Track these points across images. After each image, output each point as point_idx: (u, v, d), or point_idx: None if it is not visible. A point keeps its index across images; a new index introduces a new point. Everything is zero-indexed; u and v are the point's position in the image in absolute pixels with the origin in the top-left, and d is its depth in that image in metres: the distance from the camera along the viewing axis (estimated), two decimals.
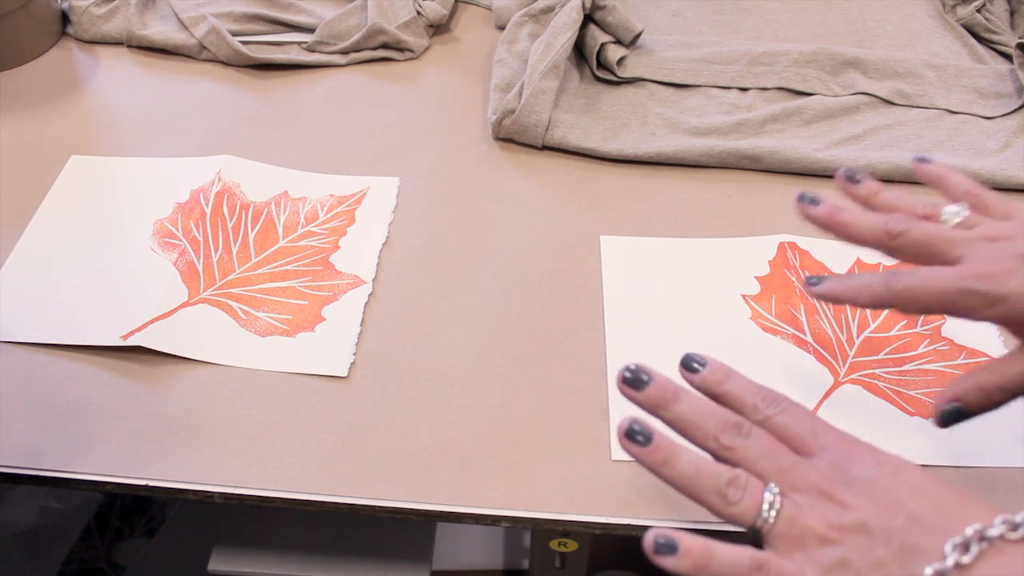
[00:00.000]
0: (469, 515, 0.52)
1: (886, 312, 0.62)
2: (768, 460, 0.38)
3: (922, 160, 0.51)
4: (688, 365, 0.42)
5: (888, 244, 0.45)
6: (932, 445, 0.54)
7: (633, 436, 0.39)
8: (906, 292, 0.43)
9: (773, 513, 0.37)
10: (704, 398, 0.41)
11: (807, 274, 0.49)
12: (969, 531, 0.34)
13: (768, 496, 0.37)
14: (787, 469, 0.38)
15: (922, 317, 0.61)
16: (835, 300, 0.46)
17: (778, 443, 0.39)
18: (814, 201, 0.48)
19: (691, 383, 0.42)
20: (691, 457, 0.39)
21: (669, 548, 0.37)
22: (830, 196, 0.50)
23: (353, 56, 0.81)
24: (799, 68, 0.78)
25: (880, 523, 0.35)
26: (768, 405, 0.40)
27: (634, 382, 0.41)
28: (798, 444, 0.39)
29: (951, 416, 0.44)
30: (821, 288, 0.47)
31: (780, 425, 0.39)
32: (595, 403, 0.57)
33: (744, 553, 0.36)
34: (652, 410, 0.41)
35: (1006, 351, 0.44)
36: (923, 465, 0.53)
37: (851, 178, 0.50)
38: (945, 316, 0.61)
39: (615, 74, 0.78)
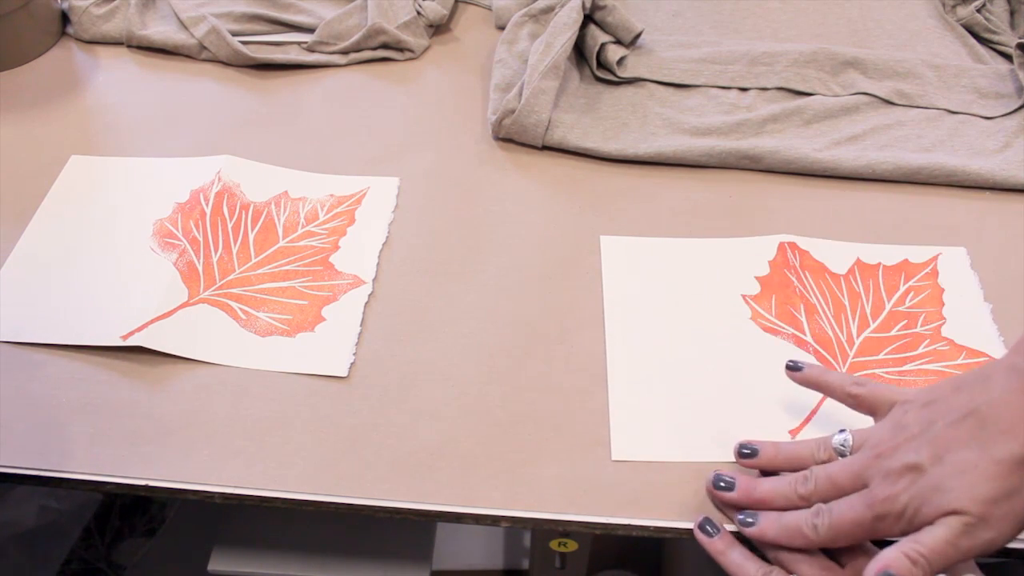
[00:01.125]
0: (469, 515, 0.52)
1: (886, 312, 0.62)
2: (805, 565, 0.46)
3: (793, 368, 0.54)
4: (744, 521, 0.49)
5: (805, 502, 0.48)
6: None
7: (704, 528, 0.49)
8: (828, 531, 0.46)
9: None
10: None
11: (739, 516, 0.49)
12: None
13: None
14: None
15: (922, 316, 0.61)
16: (770, 546, 0.48)
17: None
18: (729, 486, 0.50)
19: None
20: (742, 550, 0.48)
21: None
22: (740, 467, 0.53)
23: (353, 56, 0.81)
24: (799, 68, 0.78)
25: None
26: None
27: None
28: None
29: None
30: (753, 531, 0.48)
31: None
32: (595, 403, 0.57)
33: None
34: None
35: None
36: None
37: (746, 457, 0.52)
38: (945, 317, 0.61)
39: (615, 74, 0.78)
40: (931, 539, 0.42)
